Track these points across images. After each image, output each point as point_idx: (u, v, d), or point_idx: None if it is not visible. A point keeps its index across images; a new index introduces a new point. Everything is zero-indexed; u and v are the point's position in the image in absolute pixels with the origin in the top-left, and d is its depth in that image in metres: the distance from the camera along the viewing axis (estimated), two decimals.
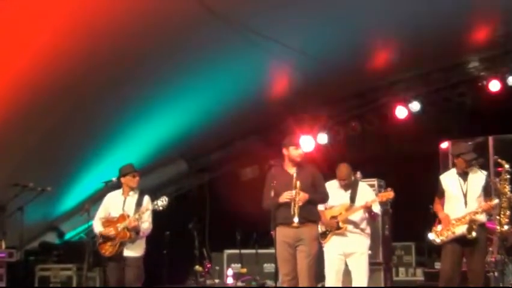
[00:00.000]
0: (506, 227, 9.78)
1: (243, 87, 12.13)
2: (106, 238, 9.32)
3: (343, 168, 10.05)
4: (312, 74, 12.37)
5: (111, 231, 9.29)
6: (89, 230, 9.91)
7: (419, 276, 13.01)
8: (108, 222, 9.41)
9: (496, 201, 9.33)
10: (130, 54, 10.46)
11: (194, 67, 11.29)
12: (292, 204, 8.78)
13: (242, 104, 12.56)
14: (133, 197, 9.50)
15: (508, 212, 9.77)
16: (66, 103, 10.88)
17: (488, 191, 9.31)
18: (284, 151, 9.11)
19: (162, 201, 9.33)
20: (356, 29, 11.50)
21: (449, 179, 9.37)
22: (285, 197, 8.80)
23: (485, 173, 9.40)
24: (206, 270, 11.86)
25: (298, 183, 8.82)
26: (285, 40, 11.18)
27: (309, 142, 13.48)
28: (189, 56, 11.02)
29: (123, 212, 9.38)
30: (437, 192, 9.45)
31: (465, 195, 9.22)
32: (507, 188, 9.85)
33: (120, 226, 9.26)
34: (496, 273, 10.66)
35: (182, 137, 12.86)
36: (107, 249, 9.29)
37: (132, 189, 9.51)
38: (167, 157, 13.64)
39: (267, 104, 13.10)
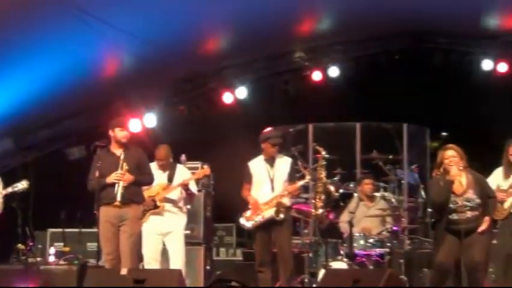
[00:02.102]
0: (320, 211, 10.33)
1: (72, 68, 11.96)
2: None
3: (162, 150, 10.35)
4: (142, 57, 12.38)
5: None
6: None
7: (239, 256, 13.35)
8: None
9: (300, 183, 9.83)
10: None
11: (22, 45, 11.08)
12: (117, 184, 8.94)
13: (71, 83, 12.42)
14: None
15: (323, 196, 10.31)
16: None
17: (292, 176, 9.80)
18: (110, 132, 9.24)
19: (22, 185, 10.02)
20: (187, 15, 11.59)
21: (257, 165, 9.83)
22: (112, 178, 8.94)
23: (289, 159, 9.89)
24: (28, 248, 11.75)
25: (125, 164, 8.98)
26: (116, 22, 11.16)
27: (136, 124, 13.54)
28: (18, 34, 10.82)
29: None
30: (245, 177, 9.82)
31: (272, 180, 9.65)
32: (323, 174, 10.39)
33: None
34: (310, 254, 11.14)
35: (9, 114, 12.61)
36: None
37: None
38: None
39: (96, 85, 13.02)
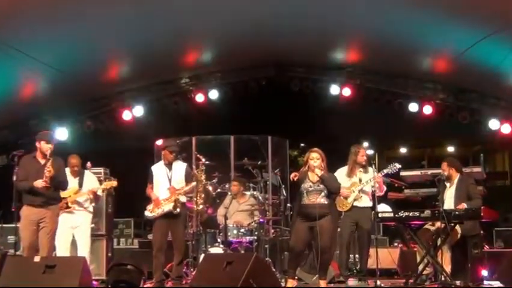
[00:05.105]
0: (201, 207, 10.49)
1: None
2: None
3: (74, 158, 10.31)
4: (56, 83, 12.21)
5: None
6: None
7: (136, 245, 13.22)
8: None
9: (191, 185, 9.94)
10: None
11: None
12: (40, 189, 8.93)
13: None
14: None
15: (203, 195, 10.48)
16: None
17: (188, 178, 9.91)
18: (37, 143, 9.19)
19: None
20: (91, 50, 11.48)
21: (158, 169, 9.89)
22: (39, 184, 8.88)
23: (185, 164, 10.02)
24: None
25: (52, 171, 8.95)
26: (35, 55, 11.03)
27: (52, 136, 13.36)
28: None
29: None
30: (149, 178, 9.90)
31: (170, 181, 9.76)
32: (203, 177, 10.54)
33: None
34: (193, 242, 11.19)
35: None
36: None
37: None
38: None
39: (17, 105, 12.79)
